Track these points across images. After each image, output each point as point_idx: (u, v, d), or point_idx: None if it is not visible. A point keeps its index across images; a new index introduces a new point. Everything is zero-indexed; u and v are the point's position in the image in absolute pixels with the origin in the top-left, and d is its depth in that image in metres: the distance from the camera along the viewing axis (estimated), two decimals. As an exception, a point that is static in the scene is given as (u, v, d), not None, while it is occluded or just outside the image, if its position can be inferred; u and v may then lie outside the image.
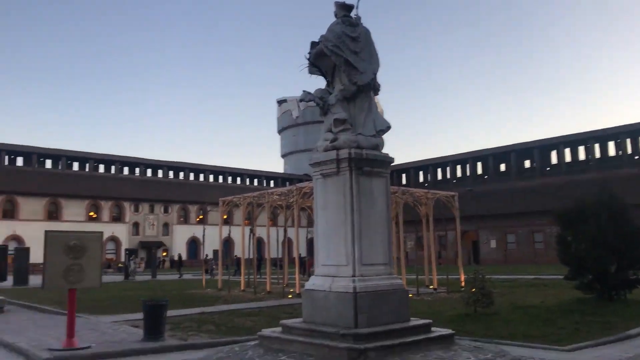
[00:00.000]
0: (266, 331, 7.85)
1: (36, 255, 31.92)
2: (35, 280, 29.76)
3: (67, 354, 8.98)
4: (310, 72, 8.02)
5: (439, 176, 68.68)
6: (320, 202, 7.64)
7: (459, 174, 66.64)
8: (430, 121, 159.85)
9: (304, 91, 8.09)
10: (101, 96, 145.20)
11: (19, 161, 57.89)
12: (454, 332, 7.64)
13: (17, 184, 52.82)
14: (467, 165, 65.12)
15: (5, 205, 52.21)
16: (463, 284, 18.70)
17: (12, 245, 39.96)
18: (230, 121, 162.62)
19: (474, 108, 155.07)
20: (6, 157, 56.04)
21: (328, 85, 8.01)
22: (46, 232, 9.37)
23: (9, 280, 25.13)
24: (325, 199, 7.53)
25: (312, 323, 7.19)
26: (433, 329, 7.40)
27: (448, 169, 68.00)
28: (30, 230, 50.69)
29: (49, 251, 9.31)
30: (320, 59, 7.82)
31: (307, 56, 7.90)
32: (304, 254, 38.82)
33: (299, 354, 6.68)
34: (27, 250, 30.51)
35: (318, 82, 8.16)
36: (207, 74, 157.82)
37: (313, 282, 7.51)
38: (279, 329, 7.66)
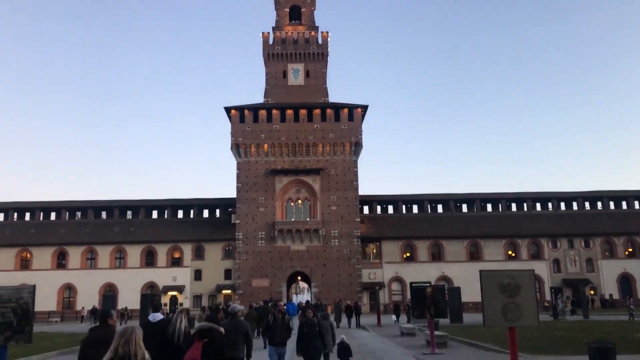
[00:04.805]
0: None
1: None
2: (467, 318, 31.71)
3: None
4: None
5: None
6: None
7: None
8: None
9: None
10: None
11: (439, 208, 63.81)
12: None
13: (440, 229, 58.48)
14: None
15: (432, 248, 58.20)
16: None
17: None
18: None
19: None
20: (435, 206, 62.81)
21: None
22: (481, 272, 9.80)
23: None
24: None
25: None
26: None
27: None
28: (456, 270, 55.28)
29: (485, 290, 9.69)
30: None
31: None
32: None
33: None
34: (459, 289, 32.86)
35: None
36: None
37: None
38: None
